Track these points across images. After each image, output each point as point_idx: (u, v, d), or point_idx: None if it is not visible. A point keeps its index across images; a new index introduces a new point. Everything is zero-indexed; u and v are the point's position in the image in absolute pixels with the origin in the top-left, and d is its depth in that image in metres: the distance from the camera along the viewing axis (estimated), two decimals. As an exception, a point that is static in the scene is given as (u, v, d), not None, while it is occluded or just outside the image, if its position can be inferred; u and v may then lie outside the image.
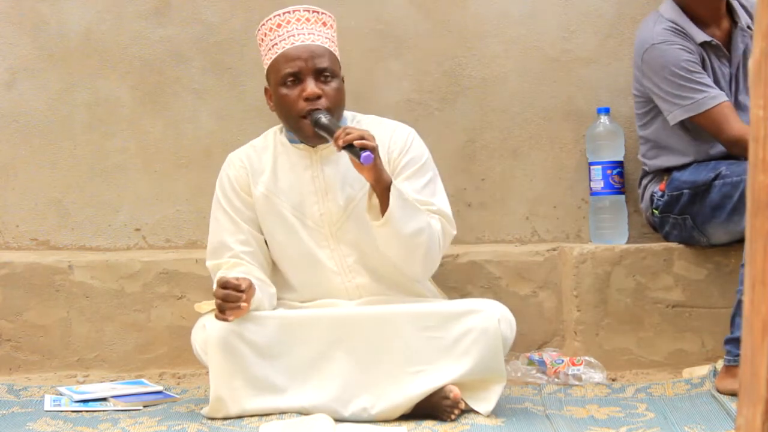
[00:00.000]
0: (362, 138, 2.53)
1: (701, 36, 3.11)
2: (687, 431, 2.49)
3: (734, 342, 2.81)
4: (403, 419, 2.57)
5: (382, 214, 2.60)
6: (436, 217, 2.70)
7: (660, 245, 3.25)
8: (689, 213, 3.12)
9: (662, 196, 3.18)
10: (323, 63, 2.71)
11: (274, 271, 2.83)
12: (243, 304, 2.50)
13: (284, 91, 2.71)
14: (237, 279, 2.53)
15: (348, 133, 2.54)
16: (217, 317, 2.53)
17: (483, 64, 3.46)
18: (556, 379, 3.02)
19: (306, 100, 2.68)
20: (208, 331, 2.57)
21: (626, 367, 3.19)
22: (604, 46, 3.48)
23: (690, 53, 3.07)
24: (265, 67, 2.78)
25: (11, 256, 3.29)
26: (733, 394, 2.76)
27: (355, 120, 2.81)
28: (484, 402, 2.59)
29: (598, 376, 3.03)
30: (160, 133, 3.43)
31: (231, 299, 2.49)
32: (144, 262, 3.26)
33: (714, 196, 3.05)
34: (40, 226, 3.41)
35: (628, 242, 3.32)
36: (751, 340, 1.20)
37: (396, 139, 2.77)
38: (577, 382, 3.00)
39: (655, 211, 3.21)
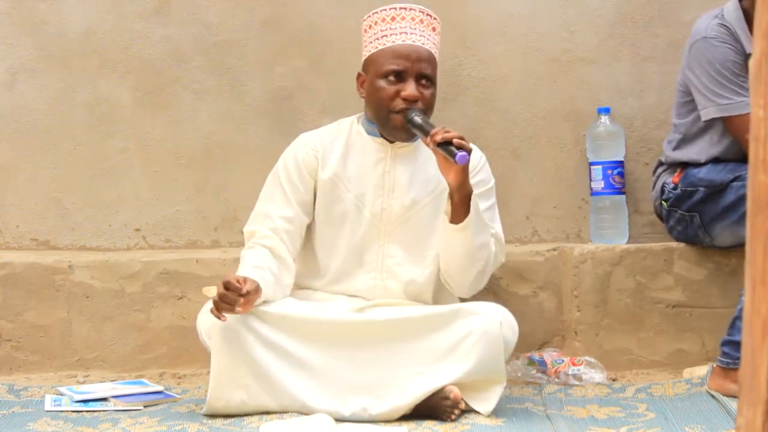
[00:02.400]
0: (461, 138, 2.56)
1: (752, 48, 3.08)
2: (687, 431, 2.49)
3: (732, 345, 2.81)
4: (404, 419, 2.57)
5: (456, 221, 2.62)
6: (493, 241, 2.74)
7: (660, 245, 3.25)
8: (699, 211, 3.11)
9: (674, 188, 3.17)
10: (428, 69, 2.74)
11: (308, 254, 2.83)
12: (238, 309, 2.50)
13: (383, 84, 2.73)
14: (243, 281, 2.52)
15: (447, 131, 2.57)
16: (212, 312, 2.53)
17: (483, 64, 3.46)
18: (556, 379, 3.02)
19: (404, 100, 2.70)
20: (213, 317, 2.57)
21: (626, 367, 3.19)
22: (604, 46, 3.48)
23: (738, 55, 3.02)
24: (367, 54, 2.79)
25: (11, 256, 3.29)
26: (725, 394, 2.77)
27: None
28: (485, 402, 2.59)
29: (599, 376, 3.03)
30: (160, 133, 3.43)
31: (227, 301, 2.49)
32: (144, 262, 3.26)
33: (729, 197, 3.04)
34: (40, 226, 3.41)
35: (628, 242, 3.32)
36: (751, 341, 1.20)
37: (471, 158, 2.78)
38: (577, 382, 3.00)
39: (664, 203, 3.21)
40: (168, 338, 3.23)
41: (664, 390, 2.91)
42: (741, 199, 3.00)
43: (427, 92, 2.73)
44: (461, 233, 2.64)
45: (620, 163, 3.33)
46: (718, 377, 2.84)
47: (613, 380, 3.09)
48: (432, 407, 2.57)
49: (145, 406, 2.78)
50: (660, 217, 3.30)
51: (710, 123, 3.10)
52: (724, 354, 2.83)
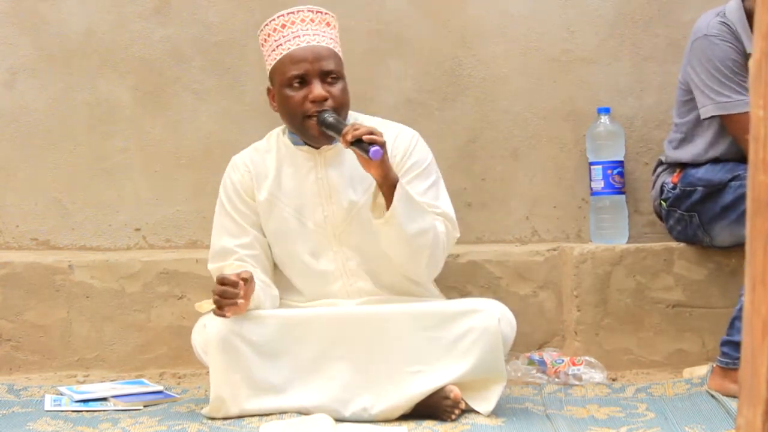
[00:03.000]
0: (371, 133, 2.53)
1: (751, 47, 3.07)
2: (687, 431, 2.49)
3: (731, 345, 2.81)
4: (404, 419, 2.57)
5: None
6: (440, 220, 2.70)
7: (660, 245, 3.25)
8: (698, 211, 3.11)
9: (673, 188, 3.17)
10: (329, 65, 2.71)
11: (278, 273, 2.83)
12: (240, 301, 2.49)
13: (289, 92, 2.71)
14: (236, 275, 2.52)
15: (356, 129, 2.54)
16: (215, 313, 2.53)
17: (483, 64, 3.46)
18: (556, 379, 3.02)
19: (312, 102, 2.68)
20: (208, 331, 2.57)
21: (626, 367, 3.19)
22: (604, 46, 3.48)
23: (739, 54, 3.01)
24: (269, 67, 2.77)
25: (11, 256, 3.29)
26: (725, 394, 2.77)
27: (358, 121, 2.81)
28: (485, 402, 2.59)
29: (599, 376, 3.03)
30: (160, 133, 3.43)
31: (228, 295, 2.49)
32: (144, 262, 3.26)
33: (728, 196, 3.04)
34: (40, 226, 3.41)
35: (628, 242, 3.32)
36: (751, 341, 1.20)
37: (399, 142, 2.77)
38: (577, 382, 3.00)
39: (664, 203, 3.20)
40: (168, 338, 3.23)
41: (664, 390, 2.91)
42: (739, 199, 3.00)
43: (334, 89, 2.70)
44: (388, 226, 2.60)
45: (620, 163, 3.33)
46: (718, 377, 2.84)
47: (613, 380, 3.09)
48: (432, 407, 2.56)
49: (145, 406, 2.78)
50: (660, 216, 3.30)
51: (711, 122, 3.10)
52: (724, 354, 2.83)
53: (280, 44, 2.72)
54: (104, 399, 2.82)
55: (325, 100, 2.68)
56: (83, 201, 3.42)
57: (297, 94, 2.70)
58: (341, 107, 2.71)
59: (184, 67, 3.43)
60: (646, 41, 3.47)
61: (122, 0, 3.42)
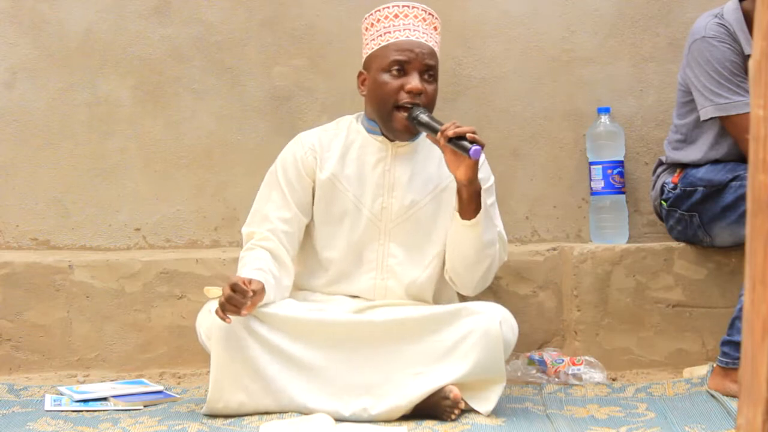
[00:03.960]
0: (474, 132, 2.56)
1: (750, 49, 3.08)
2: (687, 431, 2.49)
3: (731, 344, 2.82)
4: (404, 419, 2.57)
5: (468, 217, 2.62)
6: (497, 238, 2.74)
7: (660, 245, 3.25)
8: (698, 211, 3.11)
9: (674, 188, 3.17)
10: (432, 61, 2.74)
11: (309, 253, 2.83)
12: (244, 312, 2.50)
13: (386, 77, 2.72)
14: (248, 282, 2.52)
15: (458, 126, 2.56)
16: (217, 313, 2.53)
17: (483, 64, 3.46)
18: (556, 379, 3.02)
19: (408, 93, 2.69)
20: (213, 318, 2.57)
21: (626, 366, 3.19)
22: (604, 46, 3.48)
23: (737, 55, 3.01)
24: (368, 51, 2.78)
25: (11, 256, 3.29)
26: (725, 394, 2.77)
27: None
28: (485, 402, 2.59)
29: (599, 375, 3.03)
30: (160, 133, 3.43)
31: (234, 302, 2.49)
32: (144, 262, 3.26)
33: (728, 197, 3.04)
34: (40, 226, 3.41)
35: (628, 242, 3.32)
36: (751, 340, 1.20)
37: None
38: (577, 382, 3.00)
39: (664, 203, 3.20)
40: (168, 338, 3.23)
41: (664, 390, 2.91)
42: (740, 199, 3.00)
43: (430, 87, 2.73)
44: (472, 229, 2.64)
45: (620, 163, 3.33)
46: (718, 377, 2.84)
47: (613, 380, 3.09)
48: (432, 407, 2.57)
49: (145, 406, 2.78)
50: (660, 216, 3.30)
51: (711, 124, 3.09)
52: (724, 354, 2.83)
53: (389, 32, 2.74)
54: (104, 399, 2.82)
55: (420, 94, 2.69)
56: (83, 201, 3.42)
57: (393, 82, 2.71)
58: (430, 107, 2.73)
59: (184, 67, 3.43)
60: (646, 41, 3.48)
61: (122, 0, 3.42)
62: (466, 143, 2.54)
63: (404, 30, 2.74)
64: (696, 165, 3.14)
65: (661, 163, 3.28)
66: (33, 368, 3.21)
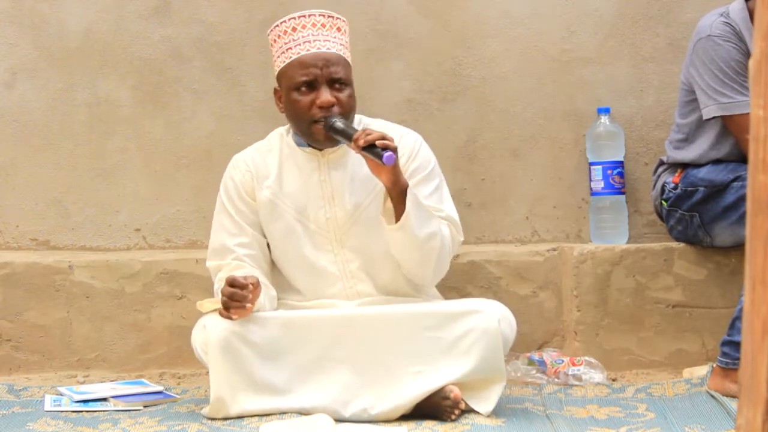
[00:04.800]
0: (384, 138, 2.54)
1: None
2: (687, 431, 2.49)
3: (731, 345, 2.81)
4: (404, 419, 2.57)
5: (397, 218, 2.60)
6: (445, 223, 2.71)
7: (660, 245, 3.25)
8: (699, 211, 3.11)
9: (675, 188, 3.16)
10: (338, 72, 2.70)
11: (277, 273, 2.83)
12: (248, 305, 2.50)
13: (297, 96, 2.71)
14: (245, 278, 2.53)
15: (368, 134, 2.55)
16: (221, 314, 2.53)
17: (483, 64, 3.46)
18: (556, 379, 3.02)
19: (320, 108, 2.68)
20: (208, 332, 2.57)
21: (626, 367, 3.19)
22: (604, 46, 3.48)
23: (742, 54, 3.01)
24: (277, 69, 2.77)
25: (11, 256, 3.29)
26: (725, 394, 2.77)
27: (362, 123, 2.80)
28: (485, 402, 2.59)
29: (598, 376, 3.03)
30: (160, 133, 3.43)
31: (237, 298, 2.49)
32: (144, 262, 3.26)
33: (729, 197, 3.03)
34: (40, 226, 3.41)
35: (628, 242, 3.32)
36: (751, 340, 1.20)
37: (403, 146, 2.76)
38: (577, 382, 3.00)
39: (664, 203, 3.20)
40: (168, 338, 3.23)
41: (664, 390, 2.91)
42: (741, 199, 3.00)
43: (342, 95, 2.70)
44: (401, 231, 2.61)
45: (620, 163, 3.33)
46: (718, 377, 2.84)
47: (613, 380, 3.09)
48: (432, 407, 2.56)
49: (145, 406, 2.78)
50: (660, 216, 3.30)
51: (713, 124, 3.09)
52: (724, 354, 2.83)
53: (290, 48, 2.72)
54: (104, 399, 2.82)
55: (332, 106, 2.68)
56: (83, 201, 3.42)
57: (304, 99, 2.70)
58: (348, 113, 2.71)
59: (184, 67, 3.43)
60: (646, 41, 3.47)
61: (122, 0, 3.42)
62: (378, 150, 2.52)
63: (304, 43, 2.71)
64: (697, 165, 3.14)
65: (661, 163, 3.27)
66: (33, 368, 3.21)
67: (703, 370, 3.00)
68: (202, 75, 3.43)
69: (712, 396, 2.79)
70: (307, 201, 2.76)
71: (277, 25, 2.76)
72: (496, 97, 3.47)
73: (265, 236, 2.79)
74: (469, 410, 2.59)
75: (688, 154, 3.16)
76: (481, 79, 3.46)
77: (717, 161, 3.11)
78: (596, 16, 3.48)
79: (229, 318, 2.52)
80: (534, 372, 3.06)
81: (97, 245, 3.42)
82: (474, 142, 3.47)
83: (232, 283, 2.50)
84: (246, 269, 2.71)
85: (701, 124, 3.11)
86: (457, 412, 2.54)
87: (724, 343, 2.85)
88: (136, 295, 3.24)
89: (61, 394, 2.86)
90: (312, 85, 2.69)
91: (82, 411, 2.73)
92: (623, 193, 3.34)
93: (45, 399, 2.83)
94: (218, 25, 3.43)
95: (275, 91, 2.81)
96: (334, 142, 2.71)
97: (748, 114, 2.93)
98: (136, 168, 3.43)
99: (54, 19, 3.41)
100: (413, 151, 2.77)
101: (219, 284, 2.66)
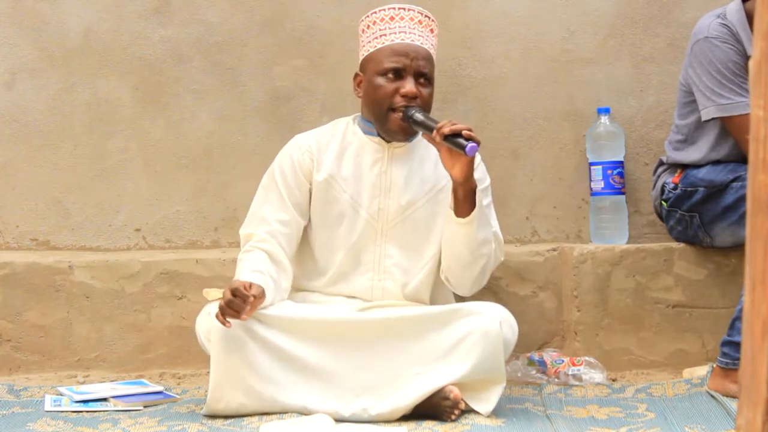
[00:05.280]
0: (469, 130, 2.57)
1: (752, 49, 3.06)
2: (687, 431, 2.49)
3: (731, 345, 2.81)
4: (404, 420, 2.57)
5: (464, 215, 2.62)
6: (493, 238, 2.74)
7: (660, 245, 3.25)
8: (699, 211, 3.11)
9: (674, 188, 3.16)
10: (426, 67, 2.75)
11: (306, 253, 2.83)
12: (244, 316, 2.51)
13: (381, 81, 2.74)
14: (249, 287, 2.53)
15: (454, 123, 2.57)
16: (216, 317, 2.53)
17: (483, 64, 3.46)
18: (556, 380, 3.02)
19: (402, 97, 2.71)
20: (213, 320, 2.57)
21: (626, 367, 3.19)
22: (604, 46, 3.48)
23: (739, 56, 3.01)
24: (365, 53, 2.80)
25: (11, 256, 3.28)
26: (725, 395, 2.77)
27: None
28: (485, 402, 2.59)
29: (599, 376, 3.03)
30: (160, 133, 3.43)
31: (234, 307, 2.50)
32: (144, 262, 3.25)
33: (729, 197, 3.04)
34: (40, 226, 3.41)
35: (628, 242, 3.32)
36: (751, 341, 1.20)
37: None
38: (577, 383, 3.00)
39: (664, 203, 3.20)
40: (168, 338, 3.23)
41: (664, 390, 2.91)
42: (741, 200, 3.00)
43: (425, 91, 2.74)
44: (466, 227, 2.64)
45: (620, 163, 3.33)
46: (718, 377, 2.84)
47: (613, 380, 3.09)
48: (432, 407, 2.57)
49: (145, 406, 2.78)
50: (660, 217, 3.30)
51: (712, 125, 3.09)
52: (724, 354, 2.83)
53: (384, 34, 2.75)
54: (104, 399, 2.82)
55: (415, 98, 2.71)
56: (83, 201, 3.42)
57: (389, 85, 2.73)
58: (427, 109, 2.74)
59: (184, 67, 3.43)
60: (646, 41, 3.47)
61: (122, 0, 3.42)
62: (462, 140, 2.55)
63: (400, 33, 2.75)
64: (697, 165, 3.14)
65: (661, 163, 3.27)
66: (33, 369, 3.21)
67: (703, 370, 3.00)
68: (202, 75, 3.43)
69: (712, 396, 2.80)
70: (363, 189, 2.79)
71: (374, 12, 2.80)
72: (496, 97, 3.47)
73: (303, 218, 2.80)
74: (469, 410, 2.60)
75: (688, 155, 3.16)
76: (481, 79, 3.46)
77: (716, 162, 3.11)
78: (596, 16, 3.48)
79: (223, 323, 2.52)
80: (534, 372, 3.06)
81: (97, 245, 3.42)
82: (474, 142, 3.46)
83: (234, 292, 2.50)
84: (269, 245, 2.71)
85: (700, 125, 3.11)
86: (457, 412, 2.55)
87: (724, 343, 2.85)
88: (136, 295, 3.24)
89: (61, 394, 2.86)
90: (399, 74, 2.73)
91: (82, 411, 2.74)
92: (623, 193, 3.34)
93: (45, 399, 2.83)
94: (218, 25, 3.43)
95: (355, 75, 2.84)
96: (405, 136, 2.75)
97: (746, 115, 2.95)
98: (136, 168, 3.43)
99: (54, 19, 3.41)
100: (475, 162, 2.79)
101: (238, 270, 2.68)
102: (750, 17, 3.01)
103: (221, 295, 2.57)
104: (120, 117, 3.43)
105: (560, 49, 3.47)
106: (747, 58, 3.00)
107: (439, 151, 2.62)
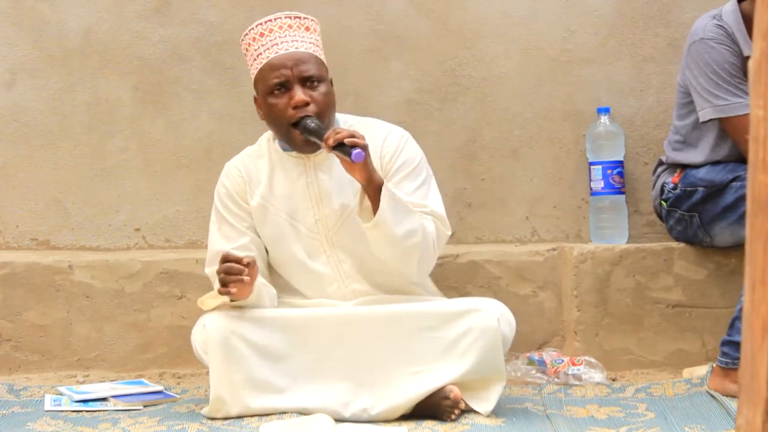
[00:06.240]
0: (352, 136, 2.53)
1: (749, 50, 3.07)
2: (687, 431, 2.49)
3: (731, 345, 2.82)
4: (404, 419, 2.57)
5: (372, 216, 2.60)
6: (429, 218, 2.70)
7: (660, 245, 3.25)
8: (698, 211, 3.11)
9: (674, 188, 3.16)
10: (309, 70, 2.69)
11: (276, 275, 2.83)
12: (246, 278, 2.49)
13: (272, 100, 2.70)
14: (239, 255, 2.53)
15: (337, 133, 2.54)
16: (220, 292, 2.52)
17: (483, 64, 3.46)
18: (556, 379, 3.02)
19: (294, 108, 2.67)
20: (208, 331, 2.57)
21: (626, 367, 3.19)
22: (604, 46, 3.48)
23: (735, 56, 3.01)
24: (252, 77, 2.77)
25: (11, 256, 3.29)
26: (725, 395, 2.77)
27: (347, 123, 2.80)
28: (485, 402, 2.59)
29: (598, 376, 3.03)
30: (160, 133, 3.43)
31: (233, 271, 2.49)
32: (144, 262, 3.26)
33: (729, 197, 3.04)
34: (40, 226, 3.41)
35: (628, 242, 3.32)
36: (751, 341, 1.20)
37: (389, 143, 2.76)
38: (577, 382, 3.00)
39: (664, 203, 3.20)
40: (168, 338, 3.23)
41: (663, 390, 2.91)
42: (740, 199, 3.00)
43: (316, 93, 2.69)
44: (377, 229, 2.59)
45: (620, 163, 3.33)
46: (718, 377, 2.84)
47: (613, 380, 3.09)
48: (432, 407, 2.56)
49: (144, 406, 2.78)
50: (660, 217, 3.30)
51: (710, 126, 3.09)
52: (724, 354, 2.83)
53: (260, 53, 2.72)
54: (104, 399, 2.82)
55: (307, 105, 2.67)
56: (83, 201, 3.42)
57: (280, 101, 2.69)
58: (324, 111, 2.69)
59: (184, 67, 3.43)
60: (646, 41, 3.47)
61: (122, 0, 3.42)
62: (347, 149, 2.51)
63: (273, 46, 2.71)
64: (696, 165, 3.14)
65: (661, 163, 3.28)
66: (33, 368, 3.21)
67: (703, 370, 3.00)
68: (202, 75, 3.43)
69: (712, 396, 2.80)
70: (296, 205, 2.76)
71: (246, 34, 2.76)
72: (496, 97, 3.47)
73: (261, 238, 2.79)
74: (469, 410, 2.59)
75: (688, 156, 3.16)
76: (481, 79, 3.46)
77: (716, 162, 3.11)
78: (596, 16, 3.48)
79: (228, 293, 2.51)
80: (534, 372, 3.06)
81: (97, 245, 3.42)
82: (474, 142, 3.47)
83: (226, 258, 2.50)
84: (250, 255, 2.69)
85: (699, 126, 3.11)
86: (456, 411, 2.54)
87: (724, 343, 2.85)
88: (136, 295, 3.24)
89: (61, 394, 2.86)
90: (285, 86, 2.69)
91: (82, 411, 2.74)
92: (623, 193, 3.34)
93: (45, 399, 2.83)
94: (218, 25, 3.43)
95: (255, 99, 2.81)
96: (312, 147, 2.70)
97: (744, 115, 2.95)
98: (136, 168, 3.43)
99: (54, 19, 3.41)
100: (398, 147, 2.76)
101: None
102: (746, 18, 3.02)
103: (216, 303, 2.57)
104: (120, 117, 3.43)
105: (560, 49, 3.47)
106: (743, 58, 3.01)
107: (338, 158, 2.59)
